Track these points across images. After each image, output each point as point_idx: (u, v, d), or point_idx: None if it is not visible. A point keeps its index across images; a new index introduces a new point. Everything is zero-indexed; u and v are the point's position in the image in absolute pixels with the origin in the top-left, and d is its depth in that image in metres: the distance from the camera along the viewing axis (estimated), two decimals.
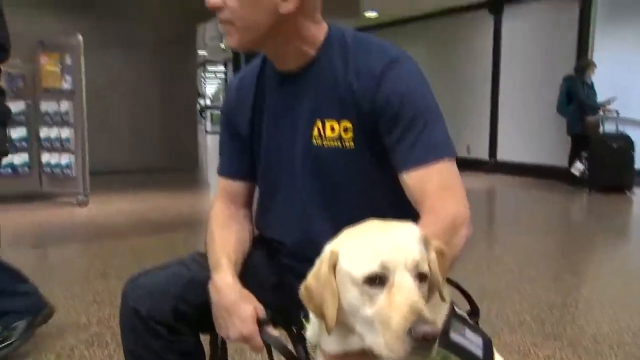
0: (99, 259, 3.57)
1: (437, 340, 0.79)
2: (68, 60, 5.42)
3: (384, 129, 1.11)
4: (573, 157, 7.06)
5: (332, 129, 1.15)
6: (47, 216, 5.06)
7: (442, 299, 0.90)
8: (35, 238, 4.39)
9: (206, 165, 9.65)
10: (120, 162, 8.12)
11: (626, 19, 7.17)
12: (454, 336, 0.93)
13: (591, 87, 6.98)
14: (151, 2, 8.17)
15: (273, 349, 1.12)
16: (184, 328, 1.19)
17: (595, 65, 6.96)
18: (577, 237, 4.66)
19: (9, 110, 2.32)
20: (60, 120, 5.50)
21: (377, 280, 0.82)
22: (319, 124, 1.16)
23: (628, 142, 6.62)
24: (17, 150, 5.61)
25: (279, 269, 1.27)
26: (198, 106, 12.62)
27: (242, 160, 1.30)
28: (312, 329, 0.98)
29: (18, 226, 4.64)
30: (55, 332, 2.41)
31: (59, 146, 5.53)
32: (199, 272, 1.25)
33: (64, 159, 5.50)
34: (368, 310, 0.82)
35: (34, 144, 5.70)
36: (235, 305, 1.10)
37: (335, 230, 0.93)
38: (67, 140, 5.47)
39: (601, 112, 6.98)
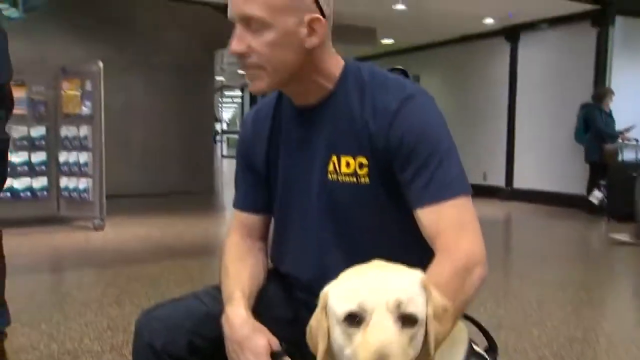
0: (114, 285, 3.57)
1: None
2: (88, 86, 5.53)
3: (399, 167, 1.11)
4: (591, 185, 6.98)
5: (348, 164, 1.15)
6: (63, 240, 5.09)
7: (429, 355, 0.87)
8: (51, 262, 4.42)
9: (222, 189, 9.69)
10: (137, 186, 8.18)
11: None
12: None
13: (609, 115, 6.93)
14: (170, 30, 8.33)
15: None
16: None
17: (613, 93, 6.92)
18: (596, 268, 4.57)
19: (7, 139, 2.38)
20: (79, 145, 5.58)
21: (357, 320, 0.83)
22: (335, 159, 1.16)
23: None
24: (36, 174, 5.70)
25: (294, 303, 1.25)
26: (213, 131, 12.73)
27: (257, 193, 1.30)
28: None
29: (35, 250, 4.68)
30: (69, 359, 2.40)
31: (77, 170, 5.60)
32: (213, 306, 1.24)
33: (82, 183, 5.56)
34: (348, 350, 0.84)
35: (53, 168, 5.78)
36: (248, 339, 1.09)
37: (349, 265, 0.93)
38: (85, 164, 5.54)
39: (620, 140, 6.91)
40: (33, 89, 5.69)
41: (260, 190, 1.30)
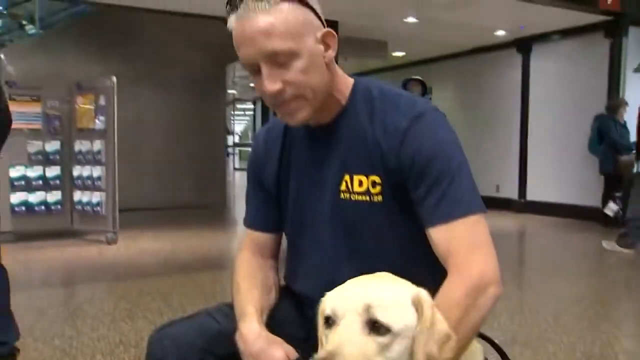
0: (126, 299, 3.57)
1: None
2: (102, 101, 5.58)
3: (411, 185, 1.10)
4: (606, 197, 6.90)
5: (360, 183, 1.14)
6: (77, 253, 5.12)
7: None
8: (64, 276, 4.44)
9: (234, 202, 9.71)
10: (150, 200, 8.23)
11: None
12: None
13: (624, 126, 6.86)
14: (183, 44, 8.41)
15: None
16: None
17: (627, 104, 6.86)
18: (613, 282, 4.50)
19: None
20: (92, 159, 5.63)
21: (331, 323, 0.89)
22: (347, 178, 1.16)
23: None
24: (51, 188, 5.76)
25: (306, 322, 1.24)
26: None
27: (268, 212, 1.30)
28: None
29: (49, 263, 4.71)
30: None
31: (90, 184, 5.65)
32: (226, 323, 1.23)
33: (95, 197, 5.60)
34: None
35: (67, 183, 5.84)
36: (264, 352, 1.08)
37: None
38: (99, 178, 5.57)
39: (635, 151, 6.82)
40: (48, 104, 5.77)
41: (271, 209, 1.30)
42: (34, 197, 5.67)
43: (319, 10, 1.11)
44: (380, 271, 0.98)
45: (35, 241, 5.59)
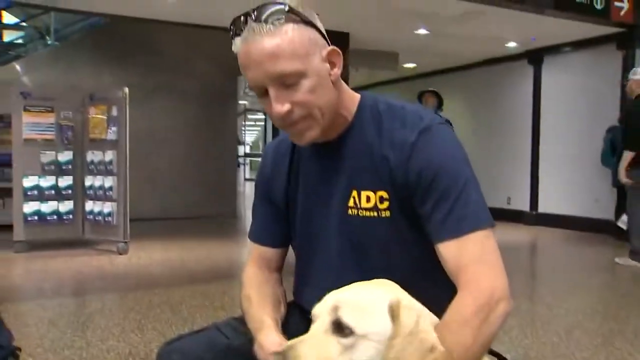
0: (135, 310, 3.58)
1: None
2: (114, 112, 5.63)
3: (418, 200, 1.10)
4: (620, 210, 6.81)
5: (368, 199, 1.14)
6: (87, 263, 5.15)
7: None
8: (75, 286, 4.46)
9: (244, 213, 9.72)
10: (161, 210, 8.28)
11: None
12: None
13: None
14: (195, 56, 8.48)
15: None
16: None
17: None
18: (627, 297, 4.43)
19: None
20: (104, 169, 5.67)
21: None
22: (355, 193, 1.16)
23: None
24: (63, 198, 5.80)
25: None
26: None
27: (275, 227, 1.31)
28: None
29: (60, 273, 4.74)
30: None
31: (102, 195, 5.68)
32: (234, 338, 1.24)
33: (107, 207, 5.63)
34: None
35: (79, 192, 5.88)
36: None
37: None
38: (110, 188, 5.61)
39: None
40: (61, 114, 5.83)
41: (278, 224, 1.30)
42: (47, 207, 5.72)
43: (322, 29, 1.12)
44: None
45: (47, 250, 5.63)
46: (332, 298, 0.92)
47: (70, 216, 5.86)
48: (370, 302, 0.90)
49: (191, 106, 8.72)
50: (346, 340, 0.86)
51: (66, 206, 5.83)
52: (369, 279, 1.12)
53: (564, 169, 8.01)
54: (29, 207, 5.63)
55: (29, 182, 5.65)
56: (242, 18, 1.06)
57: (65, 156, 5.84)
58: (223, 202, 9.03)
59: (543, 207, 8.39)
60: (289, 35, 1.04)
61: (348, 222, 1.16)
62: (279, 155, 1.29)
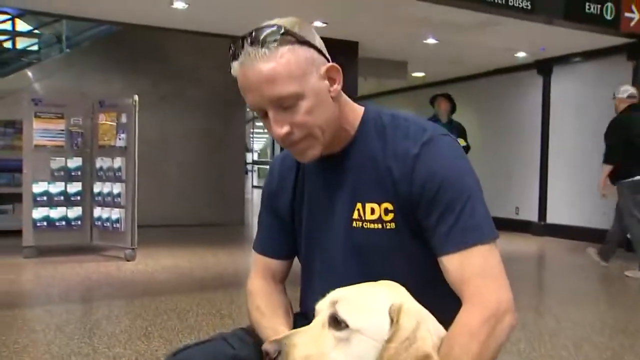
0: (142, 317, 3.58)
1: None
2: (123, 119, 5.66)
3: (422, 213, 1.10)
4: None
5: (373, 211, 1.15)
6: (95, 270, 5.16)
7: None
8: (82, 292, 4.48)
9: (251, 220, 9.73)
10: (168, 217, 8.30)
11: None
12: None
13: None
14: (204, 64, 8.52)
15: None
16: None
17: None
18: (638, 311, 4.39)
19: None
20: (113, 176, 5.70)
21: None
22: (359, 206, 1.16)
23: None
24: (71, 204, 5.84)
25: None
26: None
27: (280, 239, 1.32)
28: None
29: (68, 279, 4.76)
30: None
31: (110, 201, 5.71)
32: (241, 349, 1.24)
33: (115, 213, 5.66)
34: None
35: (88, 199, 5.91)
36: None
37: None
38: (119, 195, 5.64)
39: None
40: (71, 120, 5.87)
41: (283, 237, 1.31)
42: (55, 213, 5.76)
43: (319, 45, 1.12)
44: None
45: (56, 256, 5.66)
46: (333, 293, 0.94)
47: (79, 222, 5.89)
48: (370, 300, 0.92)
49: (200, 113, 8.76)
50: (340, 334, 0.88)
51: (75, 212, 5.86)
52: None
53: (572, 180, 7.96)
54: (38, 213, 5.67)
55: (38, 188, 5.69)
56: (238, 42, 1.07)
57: (74, 162, 5.88)
58: (230, 210, 9.04)
59: (551, 218, 8.33)
60: (285, 58, 1.04)
61: (353, 234, 1.17)
62: (285, 169, 1.30)
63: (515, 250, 6.77)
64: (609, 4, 6.43)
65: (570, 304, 4.38)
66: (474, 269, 1.04)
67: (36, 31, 10.29)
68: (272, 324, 1.20)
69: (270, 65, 1.04)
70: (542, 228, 8.32)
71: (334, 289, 1.20)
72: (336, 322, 0.88)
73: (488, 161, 8.32)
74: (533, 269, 6.18)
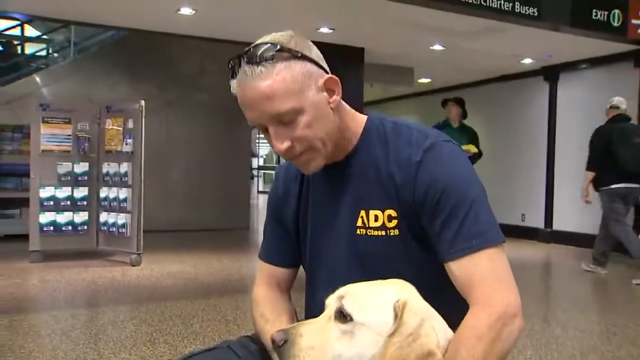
0: (148, 323, 3.58)
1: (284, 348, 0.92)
2: (130, 124, 5.68)
3: (427, 219, 1.10)
4: (637, 227, 6.72)
5: (376, 218, 1.15)
6: (101, 274, 5.17)
7: None
8: (88, 297, 4.48)
9: (257, 226, 9.73)
10: (174, 222, 8.32)
11: None
12: None
13: None
14: (210, 69, 8.55)
15: None
16: None
17: None
18: None
19: None
20: (119, 181, 5.71)
21: None
22: (363, 213, 1.17)
23: None
24: (78, 209, 5.86)
25: None
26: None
27: (285, 247, 1.32)
28: None
29: (74, 284, 4.76)
30: None
31: (116, 206, 5.72)
32: (246, 357, 1.24)
33: (121, 218, 5.67)
34: None
35: (94, 204, 5.93)
36: None
37: None
38: (125, 200, 5.65)
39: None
40: (78, 125, 5.90)
41: (288, 244, 1.32)
42: (62, 218, 5.78)
43: (316, 57, 1.13)
44: None
45: (62, 261, 5.68)
46: (342, 288, 0.96)
47: (85, 227, 5.91)
48: (376, 295, 0.93)
49: (206, 119, 8.79)
50: (345, 326, 0.90)
51: (81, 217, 5.88)
52: None
53: (579, 186, 7.90)
54: (45, 218, 5.69)
55: (45, 192, 5.72)
56: (235, 60, 1.09)
57: (81, 167, 5.90)
58: (236, 215, 9.05)
59: (558, 225, 8.29)
60: (281, 74, 1.06)
61: (357, 242, 1.17)
62: (290, 178, 1.31)
63: (522, 257, 6.73)
64: (616, 11, 6.42)
65: (577, 312, 4.35)
66: (482, 272, 1.04)
67: (44, 37, 10.37)
68: (276, 329, 1.20)
69: (267, 83, 1.05)
70: (548, 235, 8.28)
71: None
72: (342, 316, 0.91)
73: (494, 167, 8.30)
74: (539, 276, 6.15)
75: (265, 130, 1.12)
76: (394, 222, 1.13)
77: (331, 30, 6.37)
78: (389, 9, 5.52)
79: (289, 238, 1.31)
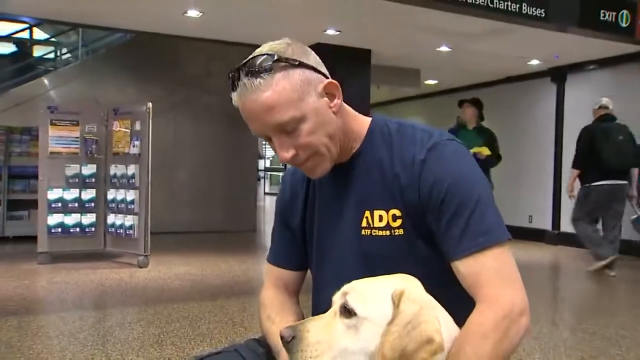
0: (155, 325, 3.60)
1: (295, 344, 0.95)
2: (137, 126, 5.71)
3: (432, 217, 1.11)
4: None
5: (381, 218, 1.16)
6: (108, 276, 5.19)
7: None
8: (96, 298, 4.50)
9: (264, 227, 9.74)
10: (181, 224, 8.34)
11: None
12: None
13: None
14: (216, 71, 8.58)
15: None
16: None
17: None
18: None
19: None
20: (126, 183, 5.74)
21: None
22: (368, 214, 1.17)
23: None
24: (85, 211, 5.89)
25: None
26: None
27: (293, 251, 1.33)
28: None
29: (82, 285, 4.79)
30: None
31: (123, 208, 5.75)
32: None
33: (128, 220, 5.69)
34: None
35: (102, 205, 5.96)
36: None
37: None
38: (132, 202, 5.67)
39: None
40: (86, 128, 5.93)
41: (296, 248, 1.33)
42: (70, 219, 5.81)
43: (314, 63, 1.13)
44: None
45: (70, 262, 5.70)
46: (346, 285, 1.00)
47: (93, 229, 5.93)
48: (377, 289, 0.96)
49: (212, 121, 8.81)
50: (349, 321, 0.94)
51: (89, 219, 5.91)
52: None
53: None
54: (53, 219, 5.72)
55: (53, 194, 5.75)
56: (235, 73, 1.10)
57: (89, 169, 5.93)
58: (243, 217, 9.06)
59: (565, 226, 8.23)
60: (280, 85, 1.06)
61: (362, 242, 1.18)
62: (296, 182, 1.32)
63: (529, 259, 6.71)
64: (624, 12, 6.39)
65: (585, 314, 4.33)
66: (488, 271, 1.04)
67: (53, 39, 10.43)
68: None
69: (266, 95, 1.06)
70: (555, 237, 8.24)
71: None
72: (347, 311, 0.94)
73: (501, 169, 8.23)
74: (547, 279, 6.12)
75: (269, 140, 1.13)
76: (399, 222, 1.14)
77: (338, 32, 6.37)
78: (395, 11, 5.51)
79: (296, 242, 1.32)
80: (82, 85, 8.20)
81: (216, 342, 3.24)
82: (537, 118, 8.64)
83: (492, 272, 1.04)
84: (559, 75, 8.25)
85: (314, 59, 1.14)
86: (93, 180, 5.94)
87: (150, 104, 5.66)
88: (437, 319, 0.94)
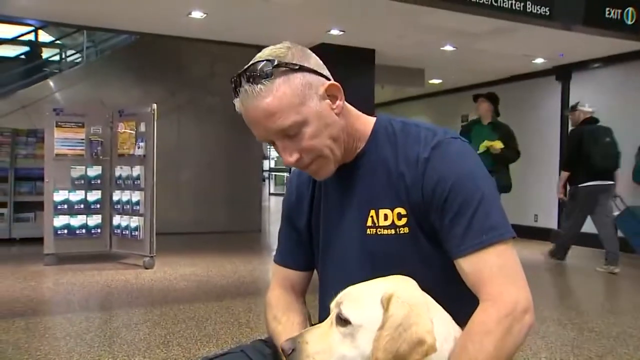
0: (161, 326, 3.60)
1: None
2: (142, 127, 5.72)
3: (435, 216, 1.11)
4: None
5: (386, 217, 1.16)
6: (114, 277, 5.21)
7: None
8: (102, 300, 4.51)
9: (269, 228, 9.75)
10: (187, 225, 8.35)
11: None
12: None
13: None
14: (220, 73, 8.59)
15: None
16: None
17: None
18: None
19: None
20: (132, 184, 5.75)
21: None
22: (373, 213, 1.17)
23: None
24: (91, 212, 5.91)
25: None
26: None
27: (299, 251, 1.34)
28: None
29: (88, 287, 4.80)
30: None
31: (129, 209, 5.76)
32: None
33: (134, 222, 5.71)
34: None
35: (107, 207, 5.98)
36: None
37: None
38: (137, 203, 5.68)
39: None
40: (91, 129, 5.95)
41: (302, 249, 1.33)
42: (76, 221, 5.83)
43: (315, 66, 1.13)
44: None
45: (76, 264, 5.72)
46: (341, 293, 1.02)
47: (99, 230, 5.96)
48: (366, 295, 0.98)
49: (217, 121, 8.82)
50: (345, 330, 0.96)
51: (94, 220, 5.93)
52: None
53: None
54: (59, 221, 5.75)
55: (59, 196, 5.77)
56: (236, 80, 1.10)
57: (94, 171, 5.95)
58: (248, 217, 9.07)
59: None
60: (281, 90, 1.07)
61: (367, 241, 1.18)
62: (302, 184, 1.33)
63: (535, 258, 6.69)
64: (630, 9, 6.36)
65: (592, 314, 4.31)
66: (491, 268, 1.04)
67: (58, 42, 10.47)
68: (288, 331, 1.20)
69: (267, 101, 1.06)
70: None
71: None
72: (342, 320, 0.96)
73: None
74: (553, 277, 6.09)
75: (273, 144, 1.14)
76: (404, 220, 1.14)
77: (342, 32, 6.37)
78: (399, 10, 5.51)
79: (303, 242, 1.33)
80: (87, 87, 8.23)
81: (222, 343, 3.24)
82: (542, 117, 8.61)
83: (496, 269, 1.04)
84: (563, 73, 8.22)
85: (314, 62, 1.14)
86: (98, 181, 5.96)
87: (155, 105, 5.68)
88: (429, 320, 0.94)
